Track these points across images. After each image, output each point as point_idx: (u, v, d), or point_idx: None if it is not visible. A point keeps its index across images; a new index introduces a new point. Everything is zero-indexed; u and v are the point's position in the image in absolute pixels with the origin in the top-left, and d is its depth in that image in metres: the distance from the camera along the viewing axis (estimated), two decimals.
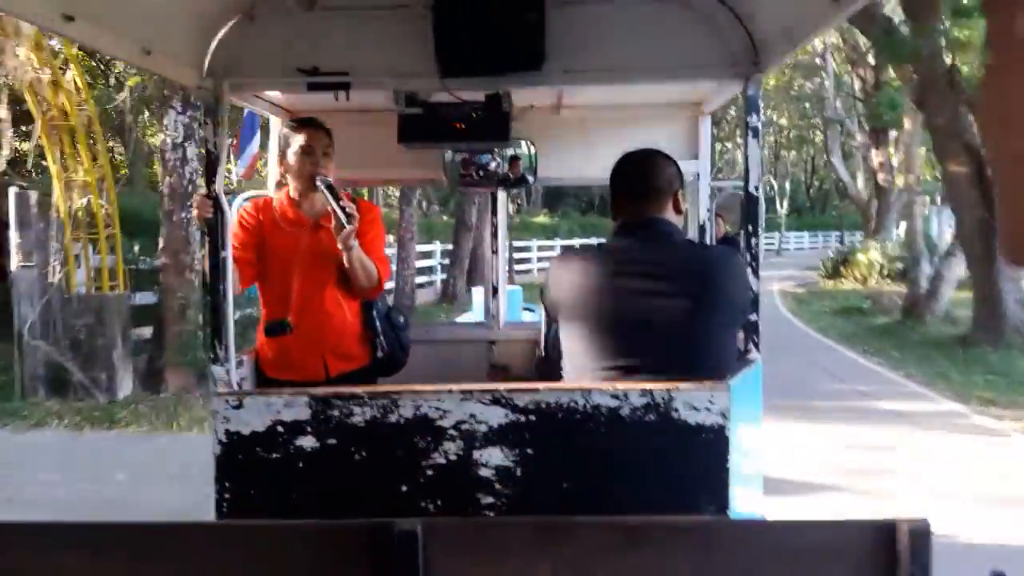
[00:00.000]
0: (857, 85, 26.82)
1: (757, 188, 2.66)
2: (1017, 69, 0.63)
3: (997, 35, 0.64)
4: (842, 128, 31.55)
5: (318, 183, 2.95)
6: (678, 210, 2.46)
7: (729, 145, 37.50)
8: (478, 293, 5.34)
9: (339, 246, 2.97)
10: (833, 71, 29.57)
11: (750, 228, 2.71)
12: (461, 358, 4.06)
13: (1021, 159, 0.65)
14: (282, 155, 3.10)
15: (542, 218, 34.13)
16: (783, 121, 44.05)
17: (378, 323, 3.30)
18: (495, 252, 4.14)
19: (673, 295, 2.29)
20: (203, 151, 2.73)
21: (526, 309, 5.03)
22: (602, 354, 2.32)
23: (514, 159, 3.72)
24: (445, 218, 28.38)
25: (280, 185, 3.26)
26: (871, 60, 23.87)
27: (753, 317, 2.60)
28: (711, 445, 2.05)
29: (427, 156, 3.75)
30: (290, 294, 3.07)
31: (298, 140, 3.03)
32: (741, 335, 2.59)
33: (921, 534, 1.59)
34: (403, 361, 3.37)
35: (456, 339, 4.26)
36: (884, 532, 1.61)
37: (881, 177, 25.79)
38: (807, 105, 38.17)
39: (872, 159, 26.27)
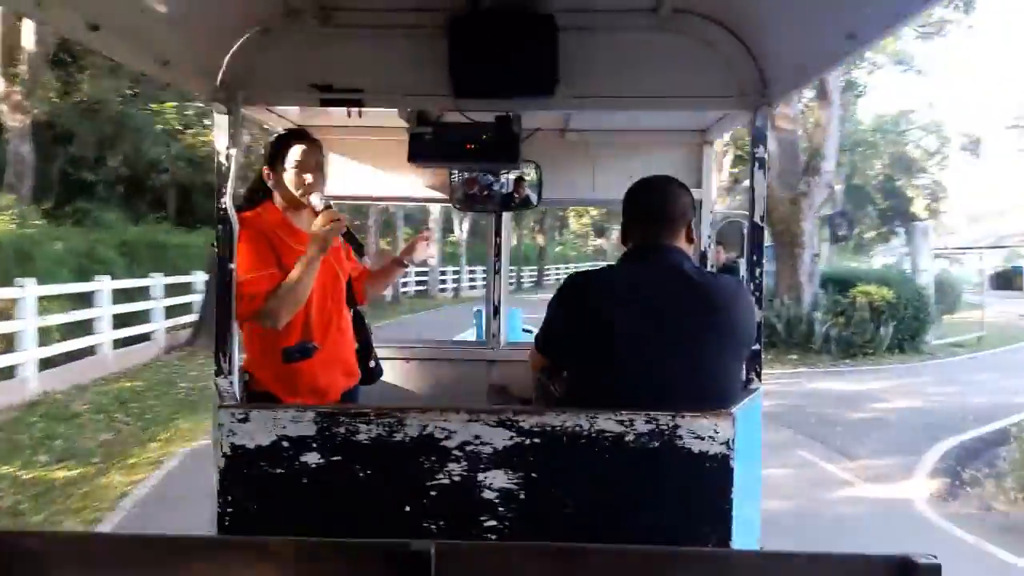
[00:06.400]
0: None
1: (762, 219, 2.70)
2: None
3: None
4: None
5: (315, 203, 2.86)
6: (690, 239, 2.49)
7: None
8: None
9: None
10: None
11: (754, 258, 2.73)
12: (461, 377, 4.06)
13: None
14: (271, 168, 2.97)
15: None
16: None
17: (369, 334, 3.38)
18: (497, 272, 4.18)
19: (684, 324, 2.31)
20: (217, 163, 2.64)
21: (525, 331, 5.08)
22: (610, 378, 2.32)
23: (519, 180, 3.78)
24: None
25: (258, 197, 3.06)
26: None
27: (756, 347, 2.62)
28: (714, 474, 2.07)
29: (433, 176, 3.78)
30: (309, 316, 2.96)
31: (293, 154, 2.94)
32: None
33: (933, 572, 1.61)
34: (381, 370, 3.43)
35: (456, 358, 4.24)
36: (898, 569, 1.64)
37: None
38: None
39: None
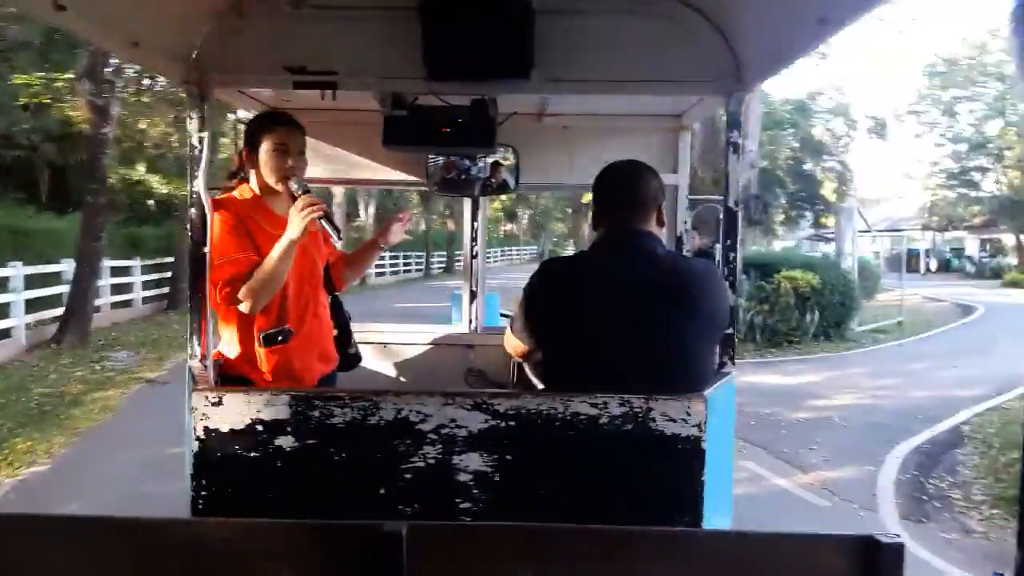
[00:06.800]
0: None
1: (736, 203, 2.72)
2: None
3: None
4: None
5: (294, 188, 2.80)
6: (661, 223, 2.48)
7: None
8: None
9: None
10: None
11: (728, 243, 2.74)
12: (438, 361, 4.12)
13: None
14: (250, 150, 2.92)
15: None
16: None
17: (347, 320, 3.42)
18: (475, 257, 4.23)
19: (657, 307, 2.30)
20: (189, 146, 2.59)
21: (503, 315, 4.89)
22: (584, 362, 2.33)
23: (496, 164, 3.75)
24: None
25: (237, 181, 3.05)
26: None
27: (729, 331, 2.65)
28: (687, 456, 2.10)
29: (409, 160, 3.80)
30: (286, 300, 2.94)
31: (271, 137, 2.89)
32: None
33: (897, 551, 1.62)
34: (360, 356, 3.49)
35: (433, 342, 4.22)
36: (863, 548, 1.65)
37: None
38: None
39: None
